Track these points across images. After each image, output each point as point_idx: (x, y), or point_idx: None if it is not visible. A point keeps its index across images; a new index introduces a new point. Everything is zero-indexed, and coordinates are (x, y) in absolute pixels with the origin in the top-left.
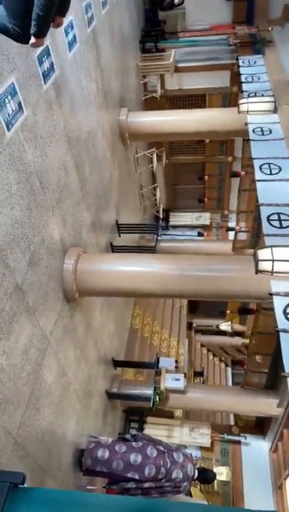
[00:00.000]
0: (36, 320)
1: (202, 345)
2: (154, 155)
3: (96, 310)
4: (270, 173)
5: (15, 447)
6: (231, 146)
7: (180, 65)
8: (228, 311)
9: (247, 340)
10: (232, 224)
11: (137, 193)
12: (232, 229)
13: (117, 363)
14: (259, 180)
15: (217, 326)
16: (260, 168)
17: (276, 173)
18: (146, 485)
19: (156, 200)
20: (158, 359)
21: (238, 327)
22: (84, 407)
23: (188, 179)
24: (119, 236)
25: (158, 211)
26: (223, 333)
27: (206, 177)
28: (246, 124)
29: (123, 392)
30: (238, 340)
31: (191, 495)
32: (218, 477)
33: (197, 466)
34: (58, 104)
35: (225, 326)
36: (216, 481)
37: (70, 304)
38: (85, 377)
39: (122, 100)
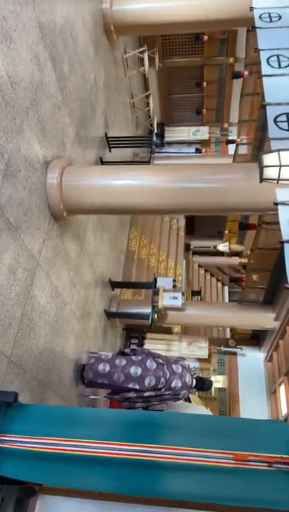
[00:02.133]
0: (21, 238)
1: (199, 266)
2: (146, 55)
3: (89, 231)
4: (279, 67)
5: (10, 366)
6: (233, 44)
7: None
8: (226, 232)
9: (245, 260)
10: (233, 138)
11: (128, 103)
12: (232, 141)
13: (114, 284)
14: (266, 76)
15: (215, 247)
16: (268, 61)
17: (285, 67)
18: (147, 394)
19: (149, 111)
20: (156, 279)
21: (236, 247)
22: (83, 326)
23: (185, 86)
24: (110, 151)
25: (152, 124)
26: (221, 253)
27: (205, 83)
28: (251, 8)
29: (122, 311)
30: (235, 260)
31: (190, 400)
32: (215, 385)
33: (195, 376)
34: None
35: (223, 246)
36: (213, 388)
37: (59, 223)
38: (81, 298)
39: None
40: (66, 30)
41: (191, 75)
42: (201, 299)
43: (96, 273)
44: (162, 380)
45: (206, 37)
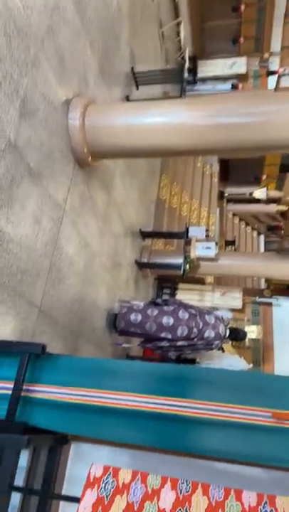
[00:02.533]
0: (44, 185)
1: (234, 215)
2: None
3: (116, 178)
4: None
5: (41, 315)
6: None
7: None
8: (264, 177)
9: (283, 207)
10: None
11: (156, 33)
12: (274, 72)
13: (145, 234)
14: None
15: (251, 194)
16: None
17: None
18: (179, 343)
19: (180, 41)
20: (187, 228)
21: (274, 193)
22: (113, 276)
23: (220, 11)
24: (137, 88)
25: (183, 57)
26: (257, 201)
27: (243, 7)
28: None
29: (153, 262)
30: (273, 208)
31: (223, 350)
32: (248, 335)
33: (229, 326)
34: None
35: (259, 193)
36: (246, 338)
37: (84, 170)
38: (111, 248)
39: None
40: None
41: None
42: (235, 249)
43: (125, 223)
44: (195, 330)
45: None
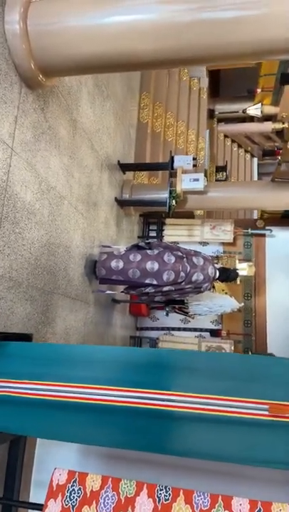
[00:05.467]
0: None
1: (225, 137)
2: None
3: (83, 100)
4: None
5: None
6: None
7: None
8: (259, 90)
9: (279, 125)
10: None
11: None
12: None
13: (124, 167)
14: None
15: (244, 111)
16: None
17: None
18: (166, 288)
19: None
20: (172, 158)
21: (270, 109)
22: (89, 220)
23: None
24: None
25: None
26: (251, 119)
27: None
28: None
29: (135, 199)
30: (268, 126)
31: (214, 288)
32: (240, 273)
33: (218, 266)
34: None
35: (253, 109)
36: (238, 277)
37: (37, 92)
38: (83, 188)
39: None
40: None
41: None
42: (226, 176)
43: (100, 156)
44: (182, 274)
45: None
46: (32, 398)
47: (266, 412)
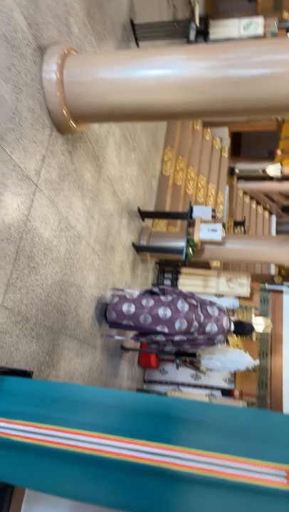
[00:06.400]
0: (6, 152)
1: (244, 193)
2: None
3: (109, 148)
4: None
5: (4, 313)
6: None
7: None
8: (279, 152)
9: None
10: None
11: None
12: None
13: (144, 214)
14: None
15: (264, 171)
16: None
17: None
18: (178, 338)
19: None
20: (191, 207)
21: None
22: (105, 261)
23: None
24: (137, 44)
25: (193, 14)
26: (270, 178)
27: None
28: None
29: (153, 245)
30: (287, 186)
31: (227, 342)
32: (256, 329)
33: (233, 319)
34: None
35: (273, 169)
36: (253, 332)
37: (66, 137)
38: (102, 230)
39: None
40: None
41: None
42: (244, 231)
43: (121, 201)
44: (195, 323)
45: None
46: (23, 442)
47: (284, 480)
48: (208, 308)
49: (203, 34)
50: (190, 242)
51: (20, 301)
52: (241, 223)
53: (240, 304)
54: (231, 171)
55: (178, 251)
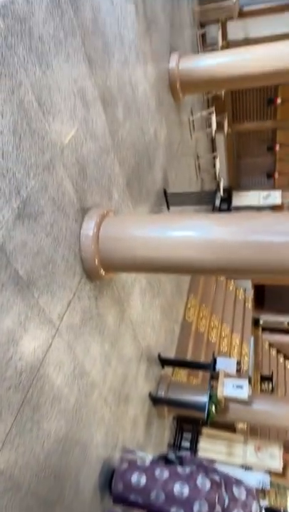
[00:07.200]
0: (33, 297)
1: (271, 345)
2: (213, 117)
3: (135, 294)
4: None
5: None
6: None
7: (245, 8)
8: None
9: None
10: None
11: (193, 164)
12: None
13: (164, 362)
14: None
15: None
16: None
17: None
18: None
19: (215, 173)
20: (215, 359)
21: None
22: (116, 415)
23: (255, 150)
24: (168, 209)
25: (218, 187)
26: None
27: (278, 146)
28: None
29: (171, 398)
30: None
31: None
32: None
33: (264, 504)
34: (70, 4)
35: None
36: None
37: (94, 283)
38: (118, 378)
39: (172, 50)
40: (124, 74)
41: (263, 138)
42: (272, 387)
43: (141, 346)
44: (218, 508)
45: (279, 100)
46: None
47: None
48: (234, 489)
49: (227, 201)
50: (213, 398)
51: (15, 463)
52: (269, 378)
53: (272, 481)
54: (256, 322)
55: (199, 407)
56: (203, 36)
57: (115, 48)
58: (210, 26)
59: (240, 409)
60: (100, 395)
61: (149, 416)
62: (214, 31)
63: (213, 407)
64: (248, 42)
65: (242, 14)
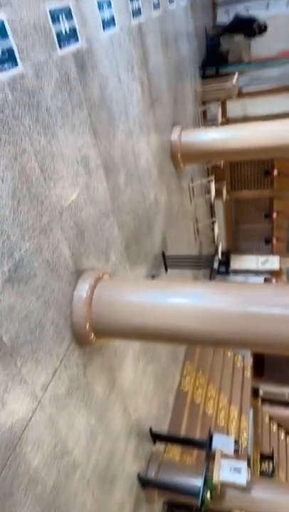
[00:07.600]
0: (15, 366)
1: (271, 419)
2: (212, 185)
3: (127, 360)
4: None
5: None
6: None
7: (244, 89)
8: None
9: None
10: None
11: (192, 228)
12: None
13: (156, 437)
14: None
15: None
16: None
17: None
18: None
19: (214, 237)
20: (211, 436)
21: None
22: (100, 500)
23: (253, 217)
24: (166, 271)
25: (216, 250)
26: None
27: (275, 214)
28: None
29: (162, 480)
30: None
31: None
32: None
33: None
34: (79, 81)
35: None
36: None
37: (84, 349)
38: (103, 456)
39: (175, 124)
40: (127, 145)
41: (260, 206)
42: (273, 468)
43: (131, 420)
44: None
45: (275, 172)
46: None
47: None
48: None
49: (225, 265)
50: (208, 483)
51: None
52: (269, 457)
53: None
54: (255, 392)
55: (193, 493)
56: (205, 113)
57: (120, 121)
58: (211, 104)
59: (238, 497)
60: (83, 477)
61: (137, 500)
62: (215, 109)
63: (208, 494)
64: (246, 119)
65: (241, 94)
